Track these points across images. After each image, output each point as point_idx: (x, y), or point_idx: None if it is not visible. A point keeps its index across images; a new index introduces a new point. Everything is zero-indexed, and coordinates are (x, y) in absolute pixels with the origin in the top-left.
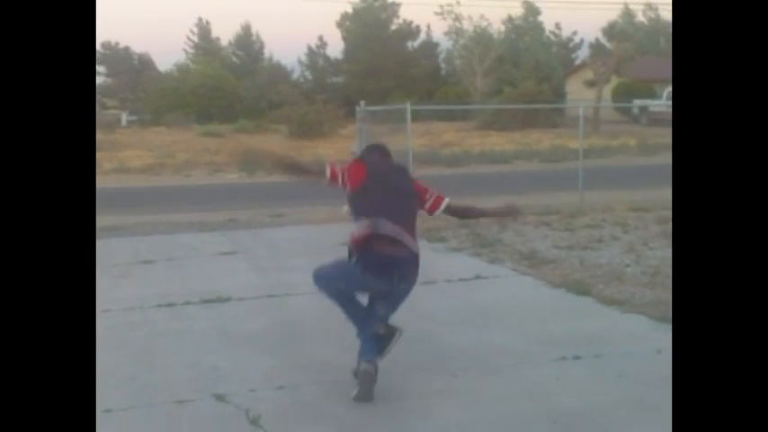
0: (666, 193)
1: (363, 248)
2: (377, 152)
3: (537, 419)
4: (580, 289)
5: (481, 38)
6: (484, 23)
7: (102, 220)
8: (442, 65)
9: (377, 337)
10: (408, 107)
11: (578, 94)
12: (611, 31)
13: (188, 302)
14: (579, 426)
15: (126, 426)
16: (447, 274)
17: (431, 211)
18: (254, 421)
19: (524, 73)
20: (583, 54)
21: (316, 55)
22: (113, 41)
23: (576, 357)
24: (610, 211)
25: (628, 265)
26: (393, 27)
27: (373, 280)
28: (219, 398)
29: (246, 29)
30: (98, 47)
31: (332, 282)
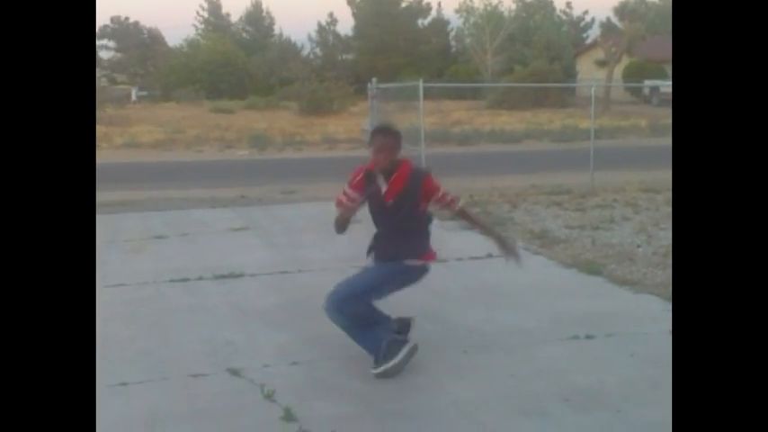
0: None
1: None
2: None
3: (549, 397)
4: (592, 269)
5: (492, 16)
6: (494, 1)
7: (113, 195)
8: (453, 42)
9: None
10: (421, 84)
11: (589, 74)
12: (622, 10)
13: (201, 278)
14: (591, 404)
15: (141, 399)
16: (458, 253)
17: None
18: (269, 396)
19: (535, 52)
20: (594, 33)
21: (326, 32)
22: (123, 16)
23: (589, 337)
24: (621, 192)
25: (639, 246)
26: (403, 4)
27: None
28: (234, 372)
29: (257, 5)
30: (107, 21)
31: (359, 300)
